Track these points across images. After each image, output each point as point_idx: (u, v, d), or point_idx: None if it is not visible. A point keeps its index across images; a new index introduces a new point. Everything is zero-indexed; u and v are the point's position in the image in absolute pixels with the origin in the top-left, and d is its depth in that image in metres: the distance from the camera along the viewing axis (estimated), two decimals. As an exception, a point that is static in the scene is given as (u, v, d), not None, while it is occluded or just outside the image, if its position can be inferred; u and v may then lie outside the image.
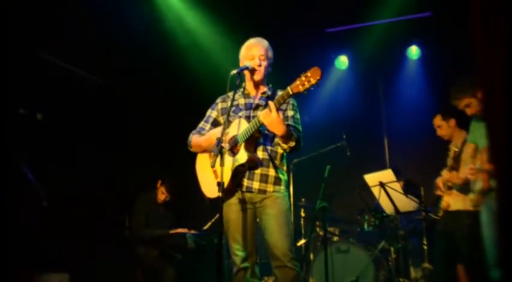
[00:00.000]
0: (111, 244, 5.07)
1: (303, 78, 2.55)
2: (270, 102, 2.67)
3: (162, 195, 5.15)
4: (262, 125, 2.74)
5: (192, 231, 5.09)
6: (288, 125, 2.79)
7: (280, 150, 2.93)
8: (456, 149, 3.98)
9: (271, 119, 2.64)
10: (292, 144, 2.78)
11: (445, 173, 4.00)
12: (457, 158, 3.99)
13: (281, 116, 2.70)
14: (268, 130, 2.86)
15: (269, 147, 2.90)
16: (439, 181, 4.12)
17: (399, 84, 6.28)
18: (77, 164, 5.10)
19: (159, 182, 5.18)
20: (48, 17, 4.66)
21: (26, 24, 4.50)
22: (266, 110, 2.65)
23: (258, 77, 2.96)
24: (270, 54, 3.02)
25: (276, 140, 2.85)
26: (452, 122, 4.16)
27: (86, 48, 4.94)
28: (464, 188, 3.84)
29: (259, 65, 2.94)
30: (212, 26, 5.81)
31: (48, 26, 4.68)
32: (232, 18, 5.58)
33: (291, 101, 2.94)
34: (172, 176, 5.20)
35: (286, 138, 2.74)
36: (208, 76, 5.51)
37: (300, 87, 2.56)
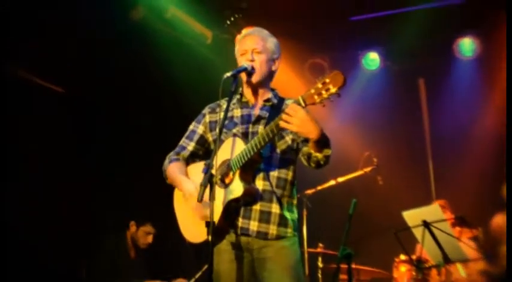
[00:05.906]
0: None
1: (320, 86, 2.40)
2: (293, 104, 2.49)
3: (146, 236, 5.11)
4: (274, 135, 2.57)
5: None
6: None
7: (290, 177, 2.81)
8: None
9: (299, 120, 2.43)
10: (329, 152, 2.60)
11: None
12: None
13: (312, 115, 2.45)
14: (271, 151, 2.76)
15: (272, 174, 2.78)
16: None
17: (447, 88, 6.21)
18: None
19: (132, 223, 5.14)
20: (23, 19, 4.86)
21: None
22: (288, 111, 2.45)
23: (255, 78, 2.82)
24: (271, 45, 2.88)
25: (306, 149, 2.68)
26: None
27: (55, 55, 5.12)
28: None
29: (252, 60, 2.81)
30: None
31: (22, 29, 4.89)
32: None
33: None
34: (145, 214, 5.21)
35: (321, 143, 2.54)
36: (199, 80, 5.52)
37: (316, 97, 2.41)
